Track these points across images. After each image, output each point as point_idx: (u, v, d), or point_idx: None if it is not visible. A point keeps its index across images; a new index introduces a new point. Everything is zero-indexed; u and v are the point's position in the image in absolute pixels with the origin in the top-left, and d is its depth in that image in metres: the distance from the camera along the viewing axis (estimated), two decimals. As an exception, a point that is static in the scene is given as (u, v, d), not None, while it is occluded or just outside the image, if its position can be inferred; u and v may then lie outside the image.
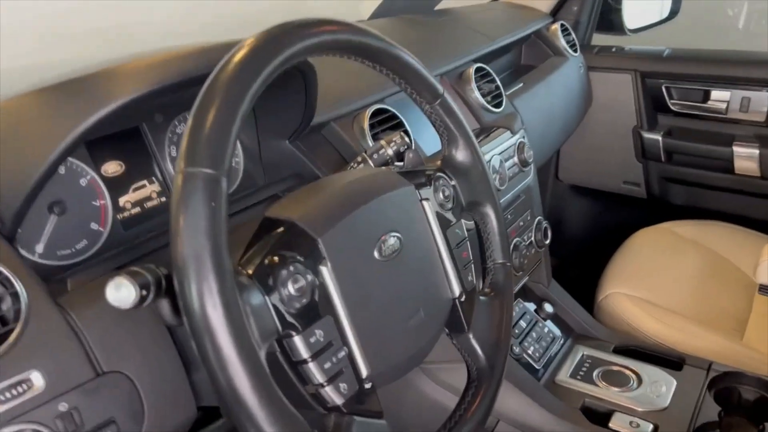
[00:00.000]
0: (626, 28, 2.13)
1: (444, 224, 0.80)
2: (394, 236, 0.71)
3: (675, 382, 1.21)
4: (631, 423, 1.12)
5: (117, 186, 0.90)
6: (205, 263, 0.52)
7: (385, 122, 1.11)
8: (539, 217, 1.37)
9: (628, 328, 1.44)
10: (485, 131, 1.32)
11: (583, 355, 1.32)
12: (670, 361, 1.28)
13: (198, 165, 0.53)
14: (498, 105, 1.41)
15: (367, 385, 0.65)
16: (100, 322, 0.70)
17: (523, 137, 1.33)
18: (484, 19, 1.75)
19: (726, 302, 1.49)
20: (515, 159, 1.29)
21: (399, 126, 1.13)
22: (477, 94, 1.36)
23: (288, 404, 0.55)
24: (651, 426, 1.11)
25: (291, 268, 0.60)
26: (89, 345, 0.69)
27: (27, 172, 0.69)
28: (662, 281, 1.55)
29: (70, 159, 0.84)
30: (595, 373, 1.26)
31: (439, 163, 0.86)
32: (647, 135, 2.00)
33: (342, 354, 0.63)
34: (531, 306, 1.40)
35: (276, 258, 0.60)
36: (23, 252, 0.78)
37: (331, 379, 0.62)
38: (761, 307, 1.43)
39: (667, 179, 2.06)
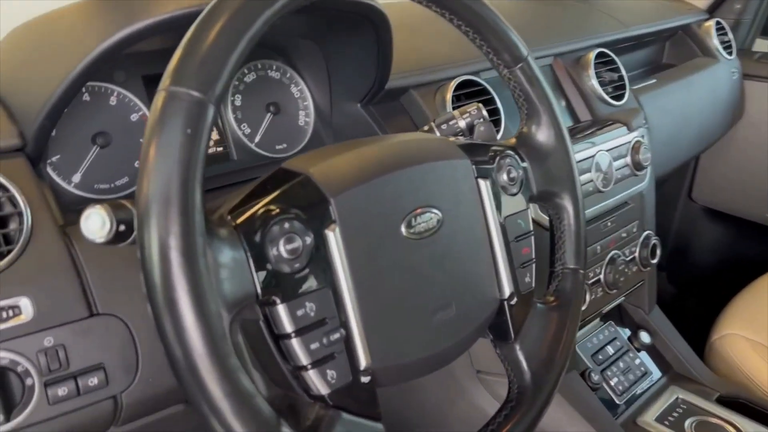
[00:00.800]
0: (800, 36, 1.83)
1: (504, 210, 0.67)
2: (430, 212, 0.60)
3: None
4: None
5: (174, 128, 0.85)
6: (171, 199, 0.44)
7: (474, 97, 0.99)
8: (649, 232, 1.18)
9: (742, 377, 1.21)
10: (597, 124, 1.15)
11: (677, 399, 1.12)
12: (787, 425, 1.06)
13: (183, 85, 0.45)
14: (619, 98, 1.23)
15: (365, 379, 0.55)
16: (103, 260, 0.65)
17: (642, 137, 1.15)
18: (623, 6, 1.56)
19: None
20: (628, 159, 1.12)
21: (491, 104, 1.01)
22: (594, 81, 1.19)
23: (247, 385, 0.46)
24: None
25: (286, 225, 0.51)
26: (88, 281, 0.64)
27: (49, 88, 0.65)
28: (795, 331, 1.29)
29: (122, 92, 0.80)
30: (687, 422, 1.06)
31: (513, 140, 0.73)
32: (807, 161, 1.70)
33: (336, 336, 0.53)
34: (625, 332, 1.21)
35: (271, 211, 0.51)
36: (57, 179, 0.75)
37: (317, 363, 0.52)
38: None
39: (823, 214, 1.75)
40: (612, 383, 1.11)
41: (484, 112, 0.80)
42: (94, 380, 0.64)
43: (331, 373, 0.53)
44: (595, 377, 1.08)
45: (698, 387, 1.16)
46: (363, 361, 0.55)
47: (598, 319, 1.20)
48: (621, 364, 1.15)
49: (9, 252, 0.62)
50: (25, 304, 0.61)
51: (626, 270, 1.12)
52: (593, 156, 1.04)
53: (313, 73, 0.96)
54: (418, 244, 0.59)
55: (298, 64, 0.97)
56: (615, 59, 1.25)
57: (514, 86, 0.71)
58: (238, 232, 0.49)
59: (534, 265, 0.70)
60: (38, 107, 0.65)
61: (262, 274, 0.50)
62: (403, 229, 0.58)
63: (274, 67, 0.95)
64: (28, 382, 0.61)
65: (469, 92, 0.99)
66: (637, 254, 1.16)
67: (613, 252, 1.10)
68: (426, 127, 0.81)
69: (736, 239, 1.99)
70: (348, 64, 0.91)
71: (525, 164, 0.71)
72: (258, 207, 0.52)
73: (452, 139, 0.68)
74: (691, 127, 1.48)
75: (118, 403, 0.67)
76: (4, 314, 0.60)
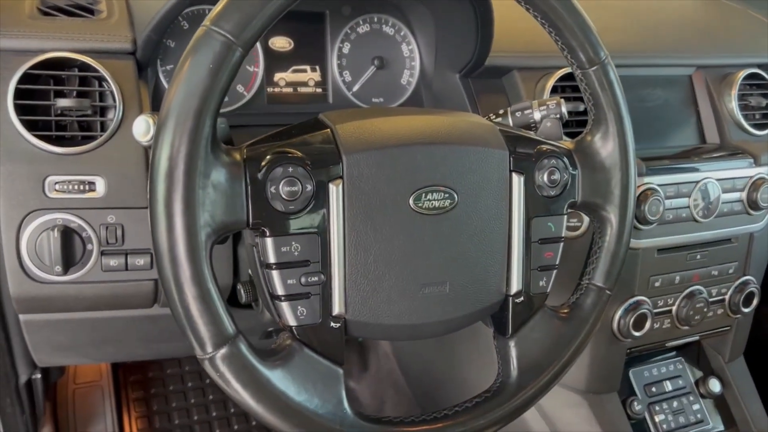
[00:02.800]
0: None
1: (534, 210, 0.67)
2: (444, 192, 0.61)
3: None
4: None
5: (278, 61, 0.93)
6: (182, 123, 0.51)
7: (578, 92, 0.95)
8: (749, 278, 1.07)
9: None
10: (724, 150, 1.06)
11: (726, 458, 1.04)
12: None
13: (218, 26, 0.51)
14: (762, 127, 1.11)
15: (334, 325, 0.59)
16: None
17: (771, 175, 1.04)
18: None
19: None
20: (742, 195, 1.02)
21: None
22: (735, 104, 1.08)
23: (215, 295, 0.52)
24: None
25: (290, 169, 0.56)
26: None
27: (157, 6, 0.74)
28: None
29: None
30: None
31: (571, 144, 0.71)
32: None
33: (315, 279, 0.58)
34: (695, 374, 1.13)
35: (281, 153, 0.56)
36: (166, 84, 0.86)
37: (290, 297, 0.57)
38: None
39: None
40: (657, 419, 1.05)
41: (563, 109, 0.78)
42: (140, 261, 0.75)
43: (301, 310, 0.58)
44: (638, 407, 1.03)
45: (757, 454, 1.06)
46: (336, 308, 0.59)
47: (670, 352, 1.14)
48: (675, 404, 1.08)
49: (100, 137, 0.73)
50: (100, 183, 0.73)
51: (707, 310, 1.03)
52: (698, 182, 0.97)
53: (425, 35, 0.99)
54: (424, 218, 0.61)
55: (414, 24, 0.99)
56: (770, 84, 1.12)
57: (584, 89, 0.69)
58: (244, 164, 0.55)
59: (555, 271, 0.69)
60: (149, 20, 0.75)
61: (257, 206, 0.55)
62: (411, 201, 0.60)
63: (390, 23, 0.99)
64: (89, 247, 0.73)
65: (574, 85, 0.95)
66: (727, 297, 1.07)
67: (695, 287, 1.02)
68: (501, 111, 0.81)
69: None
70: (452, 34, 0.92)
71: (576, 171, 0.69)
72: (272, 147, 0.57)
73: (501, 127, 0.68)
74: None
75: (158, 287, 0.78)
76: (82, 187, 0.72)
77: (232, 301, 0.84)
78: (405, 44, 1.00)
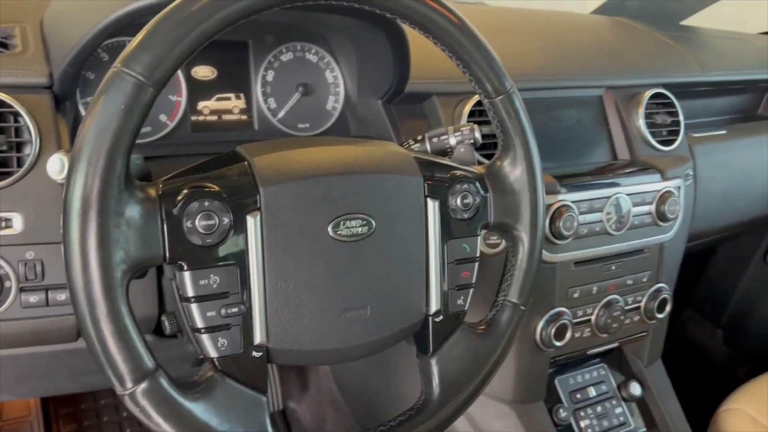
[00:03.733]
0: None
1: (449, 233, 0.70)
2: (362, 219, 0.64)
3: None
4: None
5: (202, 89, 0.94)
6: (95, 161, 0.51)
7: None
8: (662, 285, 1.14)
9: (731, 457, 1.16)
10: (633, 166, 1.12)
11: (647, 458, 1.10)
12: None
13: (129, 68, 0.52)
14: (668, 143, 1.18)
15: (256, 354, 0.60)
16: None
17: (677, 188, 1.11)
18: (714, 47, 1.47)
19: None
20: (651, 208, 1.08)
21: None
22: (641, 122, 1.15)
23: (132, 331, 0.53)
24: None
25: (206, 203, 0.57)
26: None
27: (75, 40, 0.74)
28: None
29: None
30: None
31: (482, 168, 0.75)
32: None
33: (235, 310, 0.59)
34: (617, 378, 1.19)
35: (197, 188, 0.58)
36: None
37: (210, 329, 0.58)
38: None
39: None
40: (582, 424, 1.10)
41: (477, 134, 0.82)
42: (62, 296, 0.74)
43: (222, 341, 0.59)
44: (563, 414, 1.08)
45: (676, 453, 1.12)
46: (258, 338, 0.60)
47: (593, 359, 1.19)
48: (599, 409, 1.13)
49: (16, 173, 0.73)
50: (17, 219, 0.72)
51: (623, 318, 1.09)
52: (609, 197, 1.02)
53: (347, 63, 1.01)
54: (343, 245, 0.63)
55: (336, 52, 1.02)
56: (674, 102, 1.20)
57: (493, 116, 0.73)
58: (159, 200, 0.56)
59: (471, 290, 0.72)
60: (65, 54, 0.75)
61: (173, 241, 0.56)
62: (330, 229, 0.62)
63: (313, 51, 1.01)
64: (6, 284, 0.72)
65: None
66: (642, 304, 1.13)
67: (611, 296, 1.08)
68: (420, 137, 0.85)
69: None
70: (372, 63, 0.95)
71: (488, 194, 0.73)
72: (188, 181, 0.58)
73: (416, 154, 0.71)
74: (755, 188, 1.39)
75: None
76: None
77: (159, 331, 0.84)
78: (329, 71, 1.02)
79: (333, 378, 1.49)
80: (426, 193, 0.68)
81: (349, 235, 0.63)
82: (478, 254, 0.73)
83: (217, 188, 0.58)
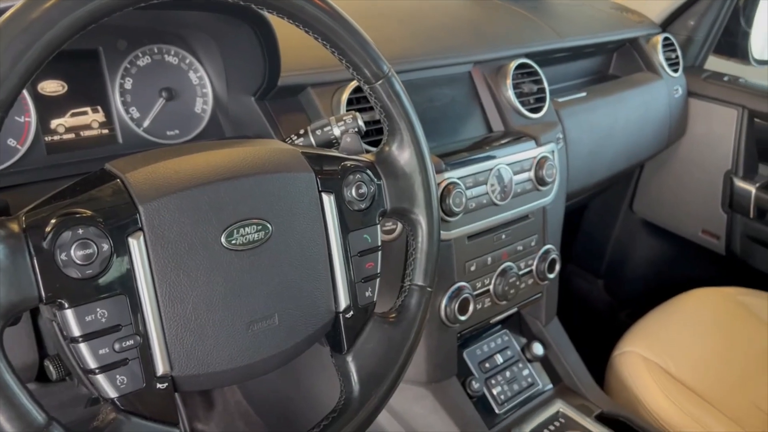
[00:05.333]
0: (752, 57, 1.83)
1: (348, 225, 0.68)
2: (257, 224, 0.60)
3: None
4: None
5: (53, 106, 0.85)
6: None
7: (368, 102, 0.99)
8: (549, 246, 1.19)
9: (630, 396, 1.24)
10: (507, 136, 1.16)
11: (557, 412, 1.15)
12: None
13: None
14: (537, 110, 1.23)
15: (161, 385, 0.55)
16: None
17: (551, 153, 1.16)
18: (567, 15, 1.55)
19: (766, 399, 1.24)
20: (530, 174, 1.12)
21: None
22: (511, 93, 1.19)
23: (13, 386, 0.47)
24: None
25: (80, 231, 0.51)
26: None
27: None
28: (696, 354, 1.31)
29: None
30: (560, 437, 1.08)
31: (371, 156, 0.73)
32: (740, 183, 1.72)
33: (130, 343, 0.54)
34: (520, 341, 1.23)
35: (66, 215, 0.51)
36: None
37: (106, 368, 0.53)
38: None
39: (752, 239, 1.77)
40: (494, 392, 1.13)
41: (360, 122, 0.80)
42: None
43: (121, 378, 0.53)
44: (476, 385, 1.10)
45: (582, 401, 1.18)
46: (161, 368, 0.55)
47: (495, 327, 1.22)
48: (507, 374, 1.17)
49: None
50: None
51: (519, 283, 1.13)
52: (491, 169, 1.05)
53: (211, 62, 0.96)
54: (240, 255, 0.59)
55: (198, 51, 0.96)
56: (538, 71, 1.25)
57: (375, 102, 0.71)
58: (24, 235, 0.50)
59: (378, 280, 0.71)
60: None
61: (48, 278, 0.50)
62: (223, 239, 0.58)
63: (172, 53, 0.94)
64: None
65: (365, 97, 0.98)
66: (534, 267, 1.17)
67: (505, 264, 1.11)
68: (302, 131, 0.82)
69: (670, 255, 2.01)
70: (240, 59, 0.91)
71: (381, 181, 0.71)
72: (55, 209, 0.52)
73: (302, 149, 0.68)
74: (616, 144, 1.49)
75: None
76: None
77: (42, 377, 0.75)
78: (192, 72, 0.96)
79: (240, 391, 1.44)
80: (320, 188, 0.66)
81: (245, 243, 0.59)
82: (380, 243, 0.71)
83: (89, 212, 0.52)
